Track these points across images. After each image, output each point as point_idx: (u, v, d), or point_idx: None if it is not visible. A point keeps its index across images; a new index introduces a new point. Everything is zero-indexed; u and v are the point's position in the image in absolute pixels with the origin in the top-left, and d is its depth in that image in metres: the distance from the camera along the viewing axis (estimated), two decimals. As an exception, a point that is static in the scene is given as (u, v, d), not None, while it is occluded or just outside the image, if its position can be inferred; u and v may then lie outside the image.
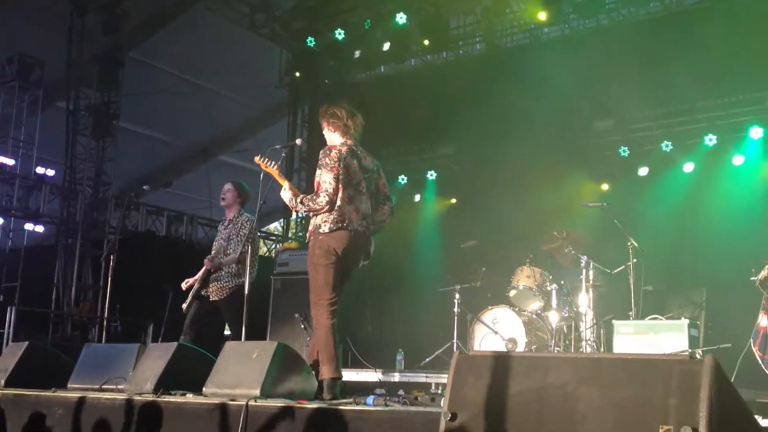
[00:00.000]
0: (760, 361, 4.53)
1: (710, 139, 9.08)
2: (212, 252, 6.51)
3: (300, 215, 11.33)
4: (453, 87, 10.14)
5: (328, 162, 5.03)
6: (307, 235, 5.21)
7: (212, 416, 4.37)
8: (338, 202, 5.02)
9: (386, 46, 10.34)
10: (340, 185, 5.02)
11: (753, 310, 4.94)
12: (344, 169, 5.04)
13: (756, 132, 8.76)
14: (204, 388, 4.71)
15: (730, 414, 2.74)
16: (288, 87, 12.03)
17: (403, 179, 11.36)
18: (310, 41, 11.08)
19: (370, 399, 4.38)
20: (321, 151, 5.14)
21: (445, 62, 10.98)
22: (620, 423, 2.79)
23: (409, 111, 10.42)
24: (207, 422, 4.37)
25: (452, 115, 10.11)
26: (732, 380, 4.60)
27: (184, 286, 6.41)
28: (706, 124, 9.16)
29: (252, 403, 4.24)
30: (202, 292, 6.33)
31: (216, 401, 4.42)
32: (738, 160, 9.00)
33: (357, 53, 10.78)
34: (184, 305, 6.28)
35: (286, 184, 5.26)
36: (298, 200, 5.13)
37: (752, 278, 4.66)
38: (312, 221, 5.18)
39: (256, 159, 5.36)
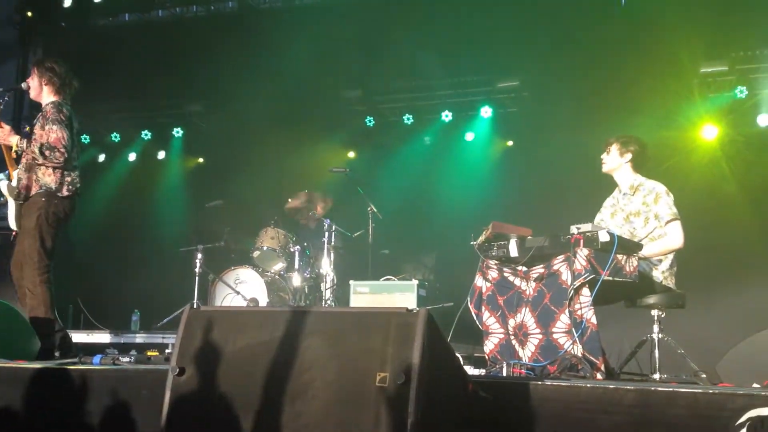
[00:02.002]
0: (475, 317, 4.96)
1: (446, 115, 9.67)
2: None
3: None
4: (203, 43, 9.82)
5: (62, 118, 4.80)
6: (26, 191, 4.91)
7: None
8: (73, 162, 4.86)
9: (131, -8, 9.76)
10: (74, 145, 4.86)
11: (475, 272, 5.40)
12: (73, 128, 4.87)
13: (486, 111, 9.49)
14: None
15: (439, 360, 2.99)
16: (19, 27, 10.91)
17: (146, 135, 10.85)
18: (42, -24, 10.16)
19: (97, 358, 4.21)
20: (50, 105, 4.90)
21: (195, 17, 10.59)
22: (341, 371, 2.94)
23: (155, 64, 9.92)
24: None
25: (202, 72, 9.81)
26: (450, 335, 5.06)
27: None
28: (443, 101, 9.72)
29: (-39, 364, 3.89)
30: None
31: None
32: (470, 136, 9.72)
33: (99, -3, 10.04)
34: None
35: (7, 127, 4.92)
36: (36, 147, 4.80)
37: (471, 243, 5.07)
38: (34, 178, 4.88)
39: None
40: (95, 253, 10.16)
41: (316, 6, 10.05)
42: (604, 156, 5.39)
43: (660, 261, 5.07)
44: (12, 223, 5.04)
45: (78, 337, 7.41)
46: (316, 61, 9.34)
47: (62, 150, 4.79)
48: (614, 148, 5.34)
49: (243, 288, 7.75)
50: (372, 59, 9.45)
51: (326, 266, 7.60)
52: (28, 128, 5.26)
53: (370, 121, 10.04)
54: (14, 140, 4.95)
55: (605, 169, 5.41)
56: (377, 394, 2.84)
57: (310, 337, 3.04)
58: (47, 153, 4.80)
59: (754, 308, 7.44)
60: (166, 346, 6.93)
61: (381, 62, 9.42)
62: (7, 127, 4.98)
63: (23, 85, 5.20)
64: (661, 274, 5.05)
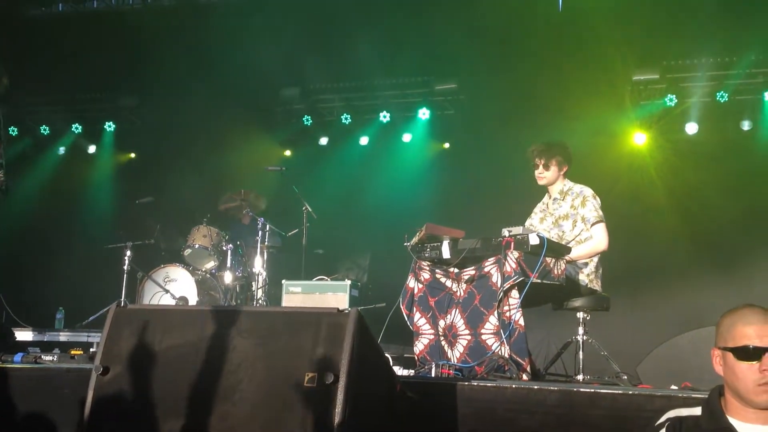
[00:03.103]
0: (406, 318, 4.99)
1: (384, 116, 9.72)
2: None
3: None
4: (139, 36, 9.62)
5: None
6: None
7: None
8: None
9: (65, -19, 9.50)
10: None
11: (408, 273, 5.42)
12: None
13: (423, 113, 9.58)
14: None
15: (368, 361, 3.01)
16: (-58, 13, 10.51)
17: (77, 128, 10.60)
18: (-29, -38, 9.79)
19: (18, 356, 4.08)
20: None
21: (131, 9, 10.37)
22: (270, 371, 2.92)
23: (88, 56, 9.67)
24: None
25: (137, 65, 9.62)
26: (381, 336, 5.08)
27: None
28: (382, 102, 9.76)
29: None
30: None
31: None
32: (407, 137, 9.78)
33: (31, -15, 9.75)
34: None
35: None
36: None
37: (405, 244, 5.10)
38: None
39: None
40: (20, 249, 9.84)
41: (256, 1, 9.96)
42: (540, 171, 5.39)
43: (585, 264, 5.19)
44: None
45: (-2, 334, 7.17)
46: (255, 58, 9.24)
47: None
48: (554, 164, 5.36)
49: (173, 286, 7.62)
50: (311, 57, 9.41)
51: (259, 265, 7.54)
52: None
53: (307, 120, 10.00)
54: None
55: (543, 183, 5.44)
56: (306, 395, 2.84)
57: (239, 337, 3.02)
58: None
59: (676, 312, 7.71)
60: (91, 345, 6.76)
61: (320, 61, 9.39)
62: None
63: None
64: (586, 277, 5.18)
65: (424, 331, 4.89)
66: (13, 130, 10.32)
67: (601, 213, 5.21)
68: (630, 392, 3.22)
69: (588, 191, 5.31)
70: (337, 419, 2.73)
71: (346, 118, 9.87)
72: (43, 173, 10.55)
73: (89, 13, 10.36)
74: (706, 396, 2.38)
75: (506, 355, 4.34)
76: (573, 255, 5.03)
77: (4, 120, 4.93)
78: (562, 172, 5.41)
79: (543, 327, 6.95)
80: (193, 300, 7.50)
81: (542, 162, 5.38)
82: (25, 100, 10.13)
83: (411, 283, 5.02)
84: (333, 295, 6.99)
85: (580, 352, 4.94)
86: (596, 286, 5.19)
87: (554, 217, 5.42)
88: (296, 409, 2.83)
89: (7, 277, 9.16)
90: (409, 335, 5.04)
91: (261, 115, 9.98)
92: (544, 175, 5.40)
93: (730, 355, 2.28)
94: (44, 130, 10.66)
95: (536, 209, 5.60)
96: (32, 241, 9.99)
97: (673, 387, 3.93)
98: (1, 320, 4.99)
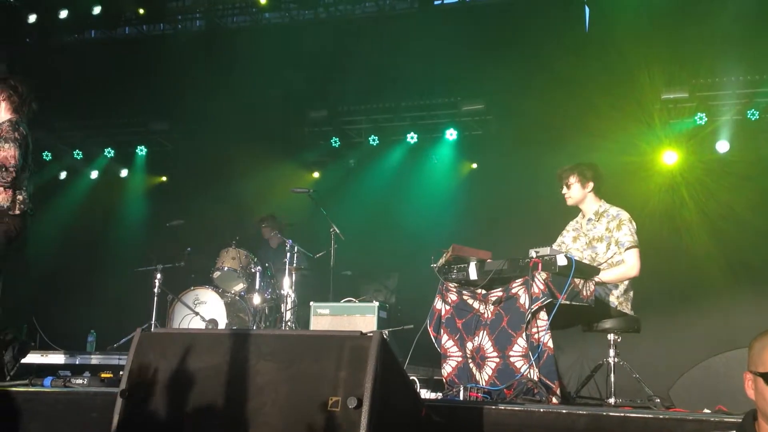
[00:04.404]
0: (433, 340, 4.95)
1: (412, 137, 9.74)
2: None
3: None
4: (169, 62, 9.80)
5: (18, 137, 4.81)
6: None
7: None
8: (23, 182, 4.85)
9: (97, 9, 9.69)
10: (26, 165, 4.85)
11: (434, 295, 5.39)
12: (27, 147, 4.86)
13: (450, 134, 9.58)
14: None
15: (392, 384, 2.98)
16: (-17, 41, 10.79)
17: (109, 152, 10.79)
18: (9, -8, 10.06)
19: (47, 380, 4.12)
20: (7, 122, 4.92)
21: (162, 35, 10.57)
22: (294, 395, 2.91)
23: (120, 82, 9.87)
24: None
25: (167, 90, 9.78)
26: (409, 357, 5.05)
27: None
28: (409, 123, 9.80)
29: None
30: None
31: None
32: (435, 158, 9.78)
33: (64, 13, 9.95)
34: None
35: None
36: None
37: (432, 265, 5.07)
38: None
39: None
40: (53, 272, 9.99)
41: (284, 26, 10.10)
42: (565, 191, 5.38)
43: (616, 286, 5.11)
44: None
45: (32, 357, 7.26)
46: (283, 82, 9.36)
47: (11, 169, 4.74)
48: (574, 181, 5.35)
49: (202, 309, 7.66)
50: (338, 80, 9.50)
51: (287, 286, 7.55)
52: None
53: (335, 142, 10.06)
54: None
55: (571, 203, 5.41)
56: (329, 419, 2.81)
57: (263, 361, 3.01)
58: None
59: (709, 333, 7.55)
60: (121, 367, 6.81)
61: (347, 83, 9.46)
62: None
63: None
64: (616, 299, 5.10)
65: (451, 353, 4.85)
66: (47, 155, 10.51)
67: (636, 238, 5.12)
68: (661, 416, 3.15)
69: (625, 215, 5.23)
70: (361, 444, 2.70)
71: (373, 140, 9.91)
72: (76, 197, 10.73)
73: (121, 39, 10.58)
74: (740, 420, 2.32)
75: (535, 378, 4.28)
76: (603, 278, 4.96)
77: (34, 145, 5.04)
78: (586, 190, 5.35)
79: (575, 349, 6.86)
80: (222, 322, 7.53)
81: (564, 181, 5.36)
82: (59, 125, 10.33)
83: (438, 304, 4.98)
84: (361, 317, 6.97)
85: (612, 375, 4.85)
86: (626, 308, 5.10)
87: (588, 237, 5.35)
88: (320, 433, 2.81)
89: (41, 301, 9.30)
90: (437, 357, 5.00)
91: (289, 138, 10.07)
92: (567, 194, 5.38)
93: (761, 380, 2.22)
94: (77, 154, 10.86)
95: (569, 227, 5.53)
96: (65, 264, 10.14)
97: (706, 410, 3.85)
98: (23, 336, 5.06)
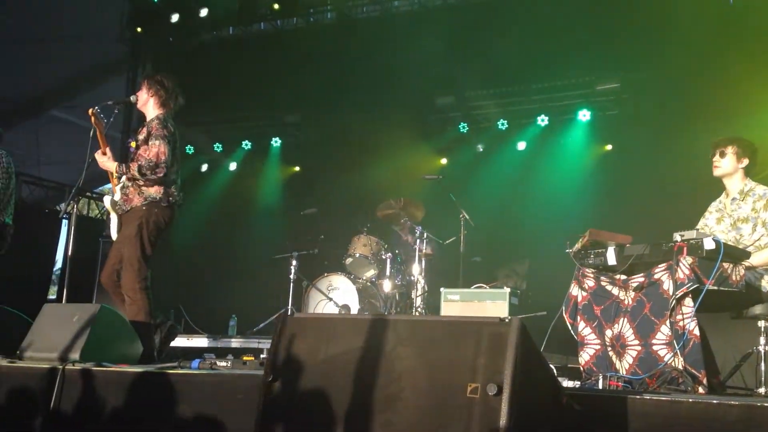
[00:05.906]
0: (570, 328, 4.83)
1: (542, 120, 9.53)
2: None
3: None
4: (302, 54, 10.06)
5: (167, 134, 5.08)
6: (128, 203, 5.16)
7: (27, 380, 4.16)
8: (172, 176, 5.10)
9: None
10: (174, 159, 5.12)
11: (569, 281, 5.26)
12: (175, 142, 5.12)
13: (584, 114, 9.29)
14: (20, 352, 4.48)
15: (532, 372, 2.92)
16: (129, 42, 11.44)
17: (247, 145, 11.21)
18: (153, -6, 10.63)
19: (195, 363, 4.32)
20: (156, 119, 5.15)
21: (295, 28, 10.84)
22: (432, 381, 2.90)
23: (256, 76, 10.22)
24: (22, 386, 4.16)
25: (300, 82, 10.02)
26: (543, 345, 4.95)
27: None
28: (539, 105, 9.59)
29: (69, 367, 4.08)
30: None
31: (32, 365, 4.21)
32: (566, 140, 9.52)
33: (203, 12, 10.41)
34: None
35: (109, 152, 5.21)
36: (135, 168, 5.06)
37: (567, 251, 4.94)
38: (136, 191, 5.14)
39: (91, 110, 5.18)
40: (196, 261, 10.49)
41: (411, 14, 10.11)
42: (717, 159, 5.07)
43: (767, 270, 4.80)
44: (114, 235, 5.27)
45: (179, 341, 7.67)
46: (410, 69, 9.37)
47: (162, 166, 4.99)
48: (731, 152, 5.05)
49: (335, 294, 7.83)
50: (465, 65, 9.41)
51: (417, 273, 7.59)
52: (132, 143, 5.49)
53: (463, 127, 9.99)
54: (113, 167, 5.20)
55: (718, 173, 5.11)
56: (468, 405, 2.79)
57: (401, 346, 3.03)
58: (147, 171, 5.01)
59: None
60: (261, 351, 7.08)
61: (475, 68, 9.36)
62: (109, 153, 5.22)
63: (132, 97, 5.42)
64: (767, 284, 4.78)
65: (589, 341, 4.71)
66: (190, 149, 11.02)
67: None
68: (823, 410, 2.93)
69: (773, 194, 4.90)
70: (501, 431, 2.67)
71: (502, 124, 9.77)
72: (216, 188, 11.21)
73: (256, 35, 10.94)
74: None
75: (680, 367, 4.09)
76: (753, 261, 4.66)
77: (180, 140, 5.29)
78: (740, 165, 5.02)
79: (720, 336, 6.50)
80: (354, 308, 7.66)
81: (720, 149, 5.04)
82: (201, 119, 10.82)
83: (574, 291, 4.85)
84: (492, 303, 6.90)
85: (762, 364, 4.57)
86: (778, 294, 4.78)
87: (732, 218, 5.05)
88: (459, 419, 2.79)
89: (185, 288, 9.80)
90: (572, 345, 4.87)
91: (417, 125, 10.07)
92: (719, 163, 5.05)
93: None
94: (218, 147, 11.33)
95: (711, 208, 5.24)
96: (207, 253, 10.62)
97: None
98: (171, 319, 5.37)
